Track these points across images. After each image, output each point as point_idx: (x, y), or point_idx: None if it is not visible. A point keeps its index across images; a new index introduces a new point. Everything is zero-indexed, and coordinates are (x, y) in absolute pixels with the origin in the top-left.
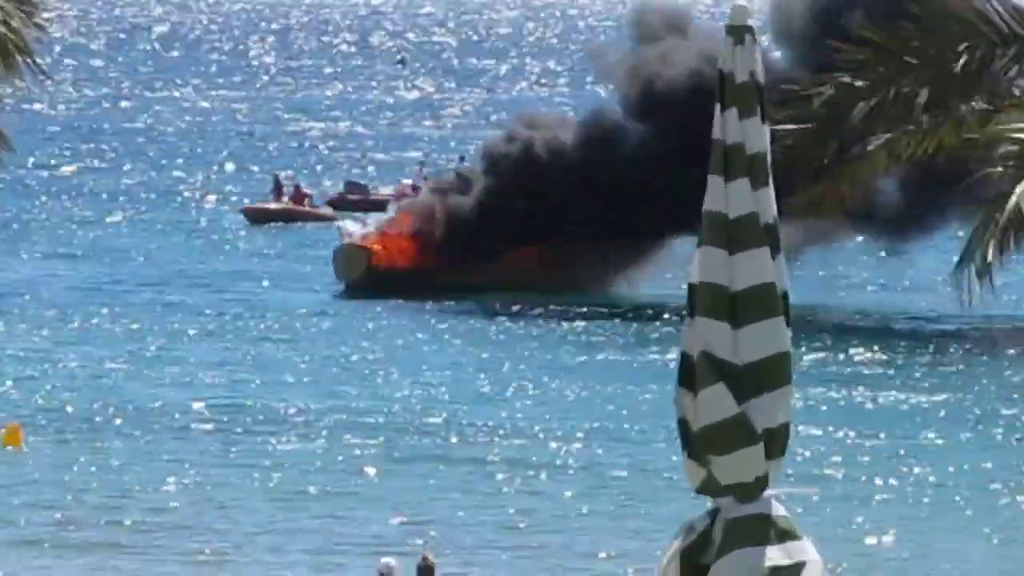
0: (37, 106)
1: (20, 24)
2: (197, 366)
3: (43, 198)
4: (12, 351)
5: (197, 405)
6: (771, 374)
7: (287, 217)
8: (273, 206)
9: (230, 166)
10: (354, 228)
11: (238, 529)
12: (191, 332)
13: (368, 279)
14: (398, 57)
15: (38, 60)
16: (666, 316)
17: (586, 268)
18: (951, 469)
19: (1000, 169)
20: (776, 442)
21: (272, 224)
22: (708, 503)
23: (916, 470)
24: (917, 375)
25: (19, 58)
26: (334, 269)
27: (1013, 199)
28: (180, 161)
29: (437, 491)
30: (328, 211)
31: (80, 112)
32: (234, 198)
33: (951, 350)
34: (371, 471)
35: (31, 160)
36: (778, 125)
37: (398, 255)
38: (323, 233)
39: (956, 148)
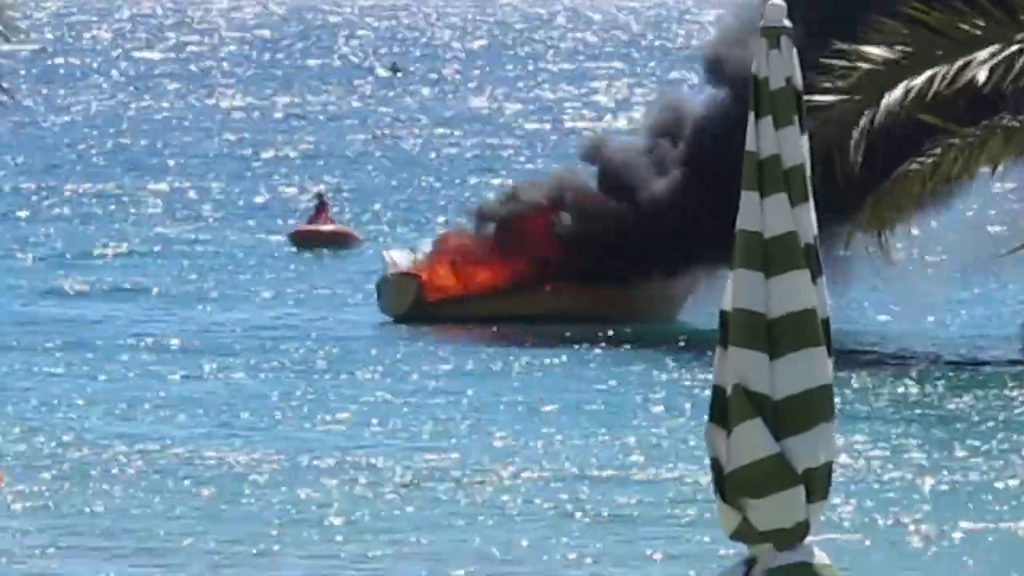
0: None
1: None
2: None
3: (48, 225)
4: (43, 383)
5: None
6: (812, 409)
7: (340, 241)
8: (325, 228)
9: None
10: (401, 258)
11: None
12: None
13: (418, 311)
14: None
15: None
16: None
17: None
18: (1012, 512)
19: None
20: (818, 484)
21: (322, 249)
22: (744, 551)
23: (974, 514)
24: (978, 409)
25: None
26: (378, 302)
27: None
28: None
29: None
30: (358, 233)
31: (82, 121)
32: (278, 220)
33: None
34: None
35: (35, 178)
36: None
37: (450, 283)
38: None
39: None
